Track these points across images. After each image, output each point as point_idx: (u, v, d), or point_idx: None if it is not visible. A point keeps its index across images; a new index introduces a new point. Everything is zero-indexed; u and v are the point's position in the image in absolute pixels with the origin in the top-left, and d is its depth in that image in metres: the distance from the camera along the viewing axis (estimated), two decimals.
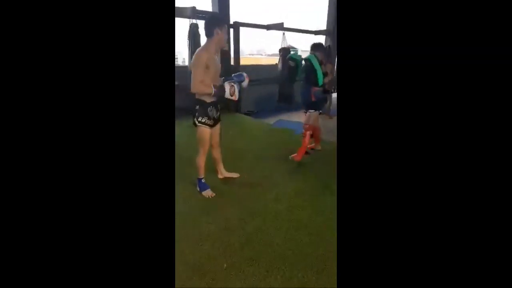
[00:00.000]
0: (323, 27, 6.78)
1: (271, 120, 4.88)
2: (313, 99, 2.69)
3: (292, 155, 2.67)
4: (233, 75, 1.92)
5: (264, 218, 1.80)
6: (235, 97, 1.82)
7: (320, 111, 2.87)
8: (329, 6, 6.73)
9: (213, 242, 1.57)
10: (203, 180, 2.05)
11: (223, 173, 2.27)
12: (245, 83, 1.91)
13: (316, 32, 6.63)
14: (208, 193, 2.02)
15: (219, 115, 1.97)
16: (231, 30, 4.77)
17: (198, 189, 2.05)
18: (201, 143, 1.93)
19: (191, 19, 4.00)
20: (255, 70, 5.55)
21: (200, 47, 1.83)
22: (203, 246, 1.54)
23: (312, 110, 2.75)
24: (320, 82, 2.63)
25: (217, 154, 2.18)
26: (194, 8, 4.00)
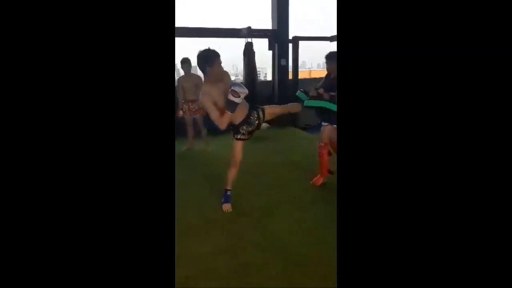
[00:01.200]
0: None
1: None
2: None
3: (313, 180, 2.37)
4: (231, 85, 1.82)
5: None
6: (242, 96, 1.75)
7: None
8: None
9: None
10: (228, 193, 2.07)
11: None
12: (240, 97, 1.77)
13: (332, 39, 6.00)
14: (226, 207, 2.05)
15: (257, 121, 2.01)
16: (290, 45, 4.79)
17: (222, 199, 2.08)
18: (235, 157, 2.01)
19: (246, 39, 4.19)
20: (313, 83, 5.37)
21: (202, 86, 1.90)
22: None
23: (326, 123, 2.29)
24: (335, 109, 2.08)
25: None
26: (249, 28, 4.18)
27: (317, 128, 5.18)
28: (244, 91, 1.73)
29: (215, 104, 1.80)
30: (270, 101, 4.69)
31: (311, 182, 2.37)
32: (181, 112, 3.25)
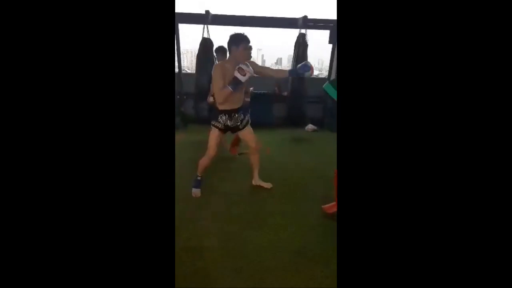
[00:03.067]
0: None
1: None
2: None
3: (324, 206, 1.92)
4: (297, 66, 1.89)
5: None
6: (247, 75, 1.78)
7: None
8: None
9: None
10: (198, 178, 2.12)
11: (256, 180, 2.28)
12: (307, 74, 1.87)
13: None
14: (195, 192, 2.10)
15: (239, 123, 2.02)
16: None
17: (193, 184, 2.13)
18: (208, 144, 2.04)
19: (300, 29, 3.78)
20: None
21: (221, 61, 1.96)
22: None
23: None
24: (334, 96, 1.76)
25: (254, 160, 2.22)
26: (305, 17, 3.75)
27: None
28: (249, 70, 1.75)
29: (223, 78, 1.79)
30: (317, 101, 4.18)
31: (322, 207, 1.94)
32: (211, 99, 3.14)
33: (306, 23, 3.78)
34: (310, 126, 4.03)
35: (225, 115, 1.96)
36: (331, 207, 1.91)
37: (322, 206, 1.95)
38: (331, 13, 4.13)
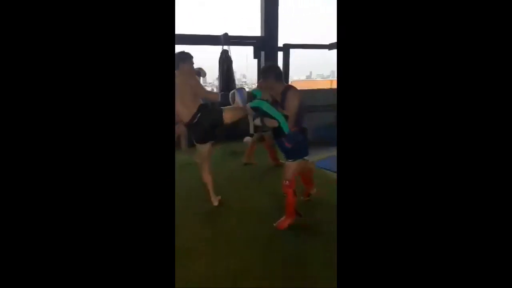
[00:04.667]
0: None
1: (320, 155, 3.98)
2: (288, 145, 1.76)
3: (277, 222, 1.89)
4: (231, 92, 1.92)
5: None
6: (238, 103, 1.82)
7: (305, 157, 1.89)
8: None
9: None
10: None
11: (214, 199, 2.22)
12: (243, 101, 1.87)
13: (331, 47, 5.41)
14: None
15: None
16: (279, 53, 4.37)
17: None
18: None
19: (223, 46, 3.76)
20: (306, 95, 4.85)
21: None
22: None
23: (291, 160, 1.82)
24: (286, 130, 1.70)
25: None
26: (225, 34, 3.75)
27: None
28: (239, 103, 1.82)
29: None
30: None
31: (274, 224, 1.89)
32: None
33: (228, 39, 3.78)
34: (247, 139, 3.97)
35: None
36: (283, 222, 1.89)
37: (275, 224, 1.89)
38: (255, 31, 4.27)
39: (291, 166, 1.83)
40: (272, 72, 1.78)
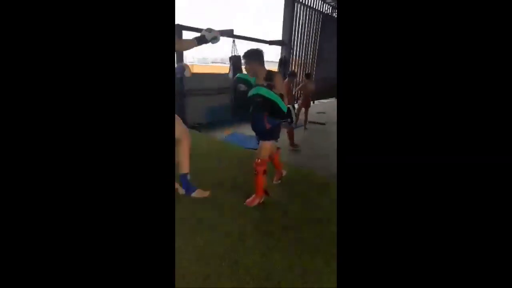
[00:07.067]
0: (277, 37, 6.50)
1: (223, 133, 4.31)
2: (267, 126, 1.90)
3: (247, 201, 2.02)
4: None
5: None
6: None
7: (276, 140, 2.06)
8: (284, 17, 6.55)
9: None
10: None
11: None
12: (186, 73, 2.09)
13: (271, 42, 6.31)
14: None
15: None
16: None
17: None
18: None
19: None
20: (203, 79, 4.99)
21: None
22: None
23: (266, 140, 1.97)
24: (285, 108, 1.85)
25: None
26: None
27: (211, 126, 4.85)
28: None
29: None
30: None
31: (244, 203, 2.00)
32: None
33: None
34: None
35: None
36: (253, 200, 2.00)
37: (245, 203, 1.99)
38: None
39: (266, 146, 1.96)
40: (256, 56, 1.86)
